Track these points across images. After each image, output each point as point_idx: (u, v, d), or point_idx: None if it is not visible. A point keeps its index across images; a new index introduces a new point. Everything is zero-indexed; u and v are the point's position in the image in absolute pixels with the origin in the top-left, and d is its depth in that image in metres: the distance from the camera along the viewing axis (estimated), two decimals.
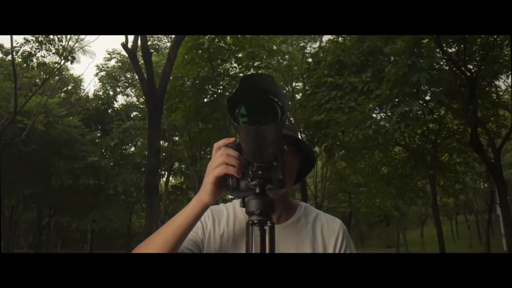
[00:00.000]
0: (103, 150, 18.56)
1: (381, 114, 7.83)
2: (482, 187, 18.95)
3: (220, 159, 0.96)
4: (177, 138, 19.75)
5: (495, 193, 16.93)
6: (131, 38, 9.19)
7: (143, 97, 12.33)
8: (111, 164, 18.53)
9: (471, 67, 8.81)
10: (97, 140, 18.41)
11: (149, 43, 11.60)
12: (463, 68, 8.10)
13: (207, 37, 10.39)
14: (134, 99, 21.59)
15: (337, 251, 1.19)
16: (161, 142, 19.91)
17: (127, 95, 21.83)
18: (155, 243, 1.03)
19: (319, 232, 1.21)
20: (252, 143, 0.81)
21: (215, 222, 1.20)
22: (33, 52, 11.90)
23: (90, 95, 21.83)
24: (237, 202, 1.26)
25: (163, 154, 20.49)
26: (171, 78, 10.53)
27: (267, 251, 0.85)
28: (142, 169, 18.08)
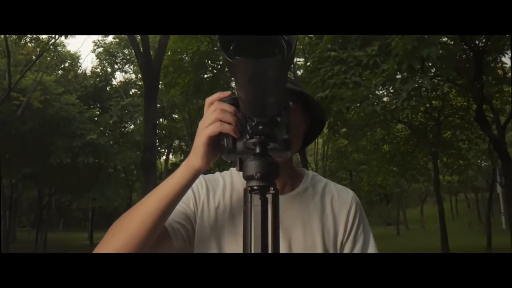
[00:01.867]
0: (102, 128, 18.39)
1: (385, 91, 7.62)
2: (483, 165, 18.86)
3: (213, 116, 0.78)
4: (176, 116, 19.57)
5: (496, 171, 16.89)
6: None
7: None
8: (111, 142, 18.39)
9: (478, 42, 8.55)
10: (95, 118, 18.19)
11: None
12: (471, 44, 7.85)
13: None
14: (133, 76, 21.30)
15: (349, 226, 1.03)
16: (161, 119, 19.84)
17: (125, 72, 21.53)
18: (134, 220, 0.85)
19: (328, 204, 1.04)
20: (250, 87, 0.64)
21: (210, 192, 1.03)
22: None
23: (88, 72, 21.54)
24: (235, 170, 1.09)
25: (163, 132, 20.36)
26: (169, 53, 10.27)
27: (269, 226, 0.68)
28: (142, 147, 17.95)
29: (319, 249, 0.99)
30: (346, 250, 1.02)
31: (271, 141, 0.72)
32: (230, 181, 1.05)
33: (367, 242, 1.04)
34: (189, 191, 1.01)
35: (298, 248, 0.98)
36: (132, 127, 19.66)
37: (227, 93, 0.84)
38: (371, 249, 1.04)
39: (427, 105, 12.30)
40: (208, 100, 0.82)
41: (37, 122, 15.07)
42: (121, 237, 0.85)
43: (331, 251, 1.01)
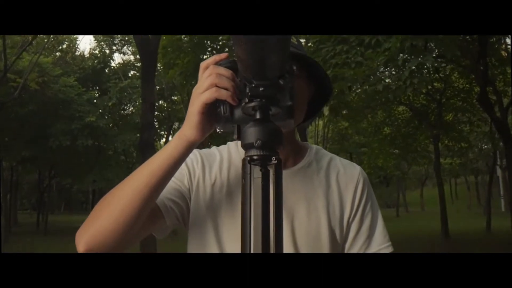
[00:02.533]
0: (101, 111, 18.24)
1: (387, 72, 7.47)
2: (484, 148, 18.80)
3: (208, 81, 0.69)
4: (175, 97, 19.42)
5: (497, 154, 16.84)
6: None
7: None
8: (110, 124, 18.25)
9: None
10: (94, 101, 18.02)
11: None
12: None
13: None
14: (131, 57, 21.07)
15: (356, 203, 0.95)
16: (160, 101, 19.70)
17: (124, 53, 21.35)
18: (122, 196, 0.77)
19: (334, 180, 0.95)
20: (249, 43, 0.55)
21: (205, 168, 0.95)
22: None
23: (86, 54, 21.29)
24: (233, 144, 1.01)
25: (163, 114, 20.23)
26: None
27: (271, 202, 0.60)
28: (140, 127, 17.85)
29: (324, 228, 0.91)
30: (353, 228, 0.95)
31: (273, 106, 0.63)
32: (228, 156, 0.97)
33: (375, 220, 0.96)
34: (183, 167, 0.93)
35: (302, 227, 0.91)
36: (131, 109, 19.51)
37: (224, 55, 0.75)
38: (379, 228, 0.97)
39: (429, 87, 12.18)
40: (203, 64, 0.73)
41: (36, 104, 14.92)
42: (107, 215, 0.78)
43: (337, 230, 0.93)
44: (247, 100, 0.63)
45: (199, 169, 0.94)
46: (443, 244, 11.45)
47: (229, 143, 1.01)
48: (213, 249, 0.90)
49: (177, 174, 0.90)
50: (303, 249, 0.90)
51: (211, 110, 0.71)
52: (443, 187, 13.52)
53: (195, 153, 0.97)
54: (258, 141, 0.59)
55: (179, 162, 0.78)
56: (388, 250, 0.96)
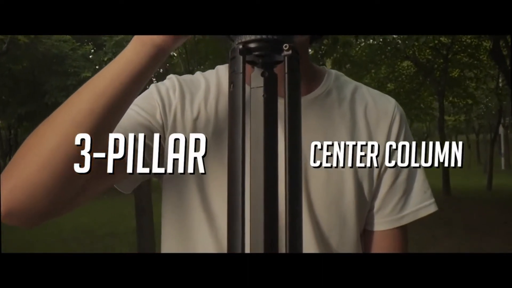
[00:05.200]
0: (97, 67, 17.77)
1: None
2: (489, 105, 18.49)
3: None
4: (173, 52, 18.91)
5: (502, 111, 16.59)
6: None
7: None
8: None
9: None
10: (90, 56, 17.52)
11: None
12: None
13: None
14: None
15: (390, 145, 0.70)
16: None
17: None
18: (56, 130, 0.52)
19: (361, 115, 0.69)
20: None
21: (186, 98, 0.68)
22: None
23: None
24: (223, 68, 0.75)
25: (160, 70, 19.74)
26: None
27: (280, 131, 0.35)
28: None
29: (348, 181, 0.67)
30: (386, 181, 0.70)
31: None
32: (217, 82, 0.71)
33: (414, 169, 0.72)
34: (155, 96, 0.67)
35: (318, 181, 0.66)
36: None
37: None
38: (419, 180, 0.72)
39: (436, 41, 11.74)
40: None
41: (29, 60, 14.52)
42: (35, 155, 0.52)
43: (365, 183, 0.69)
44: None
45: (177, 99, 0.68)
46: (444, 201, 11.41)
47: (218, 66, 0.74)
48: (197, 210, 0.66)
49: (145, 105, 0.65)
50: (322, 214, 0.66)
51: None
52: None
53: (172, 79, 0.71)
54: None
55: (140, 76, 0.52)
56: (430, 209, 0.72)
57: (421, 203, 0.72)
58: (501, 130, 24.86)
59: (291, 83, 0.33)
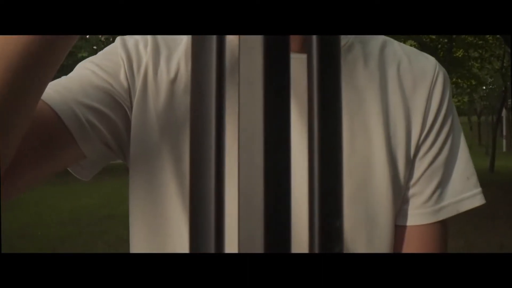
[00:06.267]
0: (95, 47, 17.54)
1: None
2: (493, 87, 18.29)
3: None
4: None
5: (508, 91, 16.46)
6: None
7: None
8: None
9: None
10: (87, 36, 17.28)
11: None
12: None
13: None
14: None
15: (431, 115, 0.53)
16: None
17: None
18: None
19: (393, 75, 0.52)
20: None
21: (161, 54, 0.51)
22: None
23: None
24: None
25: None
26: None
27: (292, 95, 0.23)
28: None
29: (379, 157, 0.51)
30: (424, 159, 0.55)
31: None
32: None
33: (457, 147, 0.57)
34: (119, 50, 0.52)
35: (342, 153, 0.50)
36: None
37: None
38: (462, 161, 0.57)
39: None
40: None
41: None
42: None
43: (400, 160, 0.53)
44: None
45: (149, 55, 0.52)
46: None
47: None
48: (173, 199, 0.51)
49: (105, 62, 0.49)
50: (347, 198, 0.50)
51: None
52: None
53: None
54: None
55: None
56: (475, 202, 0.57)
57: (464, 193, 0.57)
58: (503, 112, 24.73)
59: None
